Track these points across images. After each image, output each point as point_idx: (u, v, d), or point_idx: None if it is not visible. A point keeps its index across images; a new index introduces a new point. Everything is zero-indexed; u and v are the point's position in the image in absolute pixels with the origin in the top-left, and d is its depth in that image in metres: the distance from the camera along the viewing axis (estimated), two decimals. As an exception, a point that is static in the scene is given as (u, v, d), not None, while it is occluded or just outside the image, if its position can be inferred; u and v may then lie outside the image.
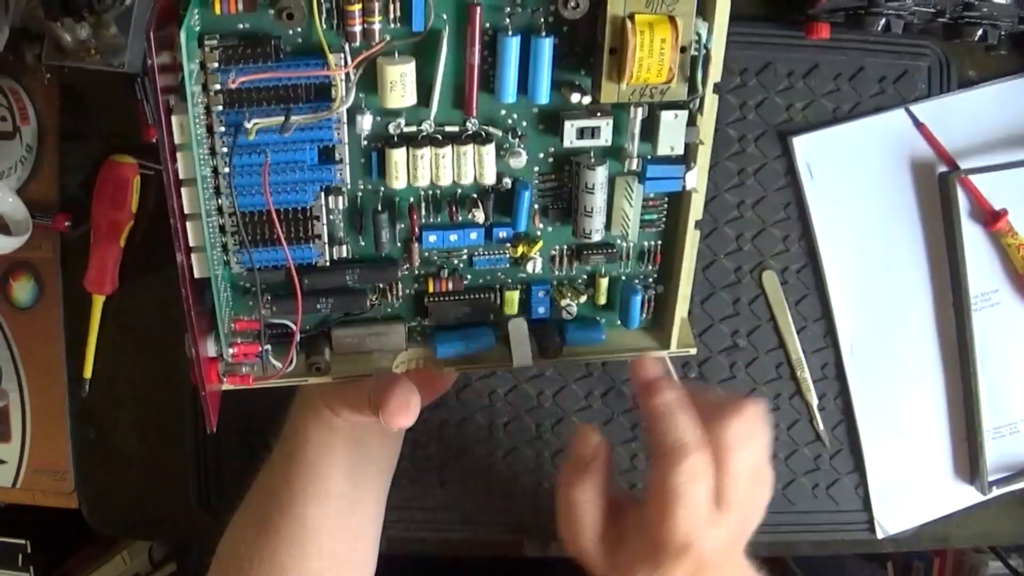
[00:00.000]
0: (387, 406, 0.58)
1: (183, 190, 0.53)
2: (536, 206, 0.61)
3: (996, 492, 0.85)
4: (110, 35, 0.70)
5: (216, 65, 0.50)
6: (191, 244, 0.55)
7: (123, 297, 0.82)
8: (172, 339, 0.82)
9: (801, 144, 0.81)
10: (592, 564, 0.62)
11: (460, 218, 0.60)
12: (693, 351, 0.68)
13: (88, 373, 0.83)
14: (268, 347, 0.60)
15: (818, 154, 0.81)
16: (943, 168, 0.81)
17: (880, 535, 0.86)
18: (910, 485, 0.85)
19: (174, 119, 0.50)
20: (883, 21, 0.74)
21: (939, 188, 0.81)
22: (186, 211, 0.54)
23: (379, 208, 0.59)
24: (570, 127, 0.56)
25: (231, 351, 0.60)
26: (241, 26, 0.51)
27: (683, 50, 0.52)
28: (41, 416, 0.86)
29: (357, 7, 0.50)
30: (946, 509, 0.86)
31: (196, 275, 0.56)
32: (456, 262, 0.62)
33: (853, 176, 0.81)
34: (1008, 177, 0.81)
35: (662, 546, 0.57)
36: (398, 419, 0.58)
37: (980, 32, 0.76)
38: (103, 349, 0.83)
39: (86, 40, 0.70)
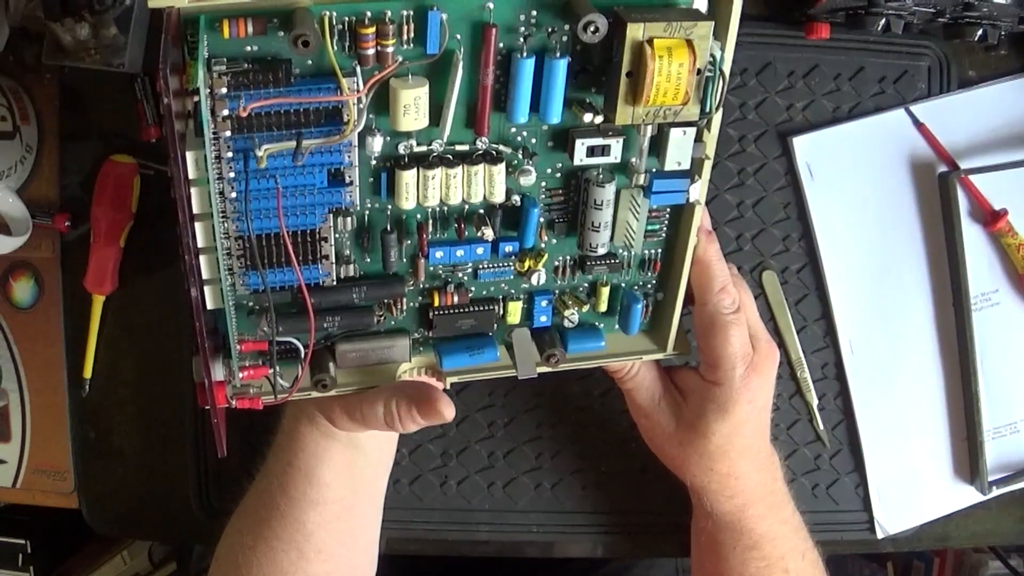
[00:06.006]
0: (435, 401, 0.63)
1: (197, 224, 0.55)
2: (542, 220, 0.62)
3: (996, 492, 0.86)
4: (110, 35, 0.71)
5: (225, 90, 0.50)
6: (205, 277, 0.56)
7: (123, 297, 0.84)
8: (172, 339, 0.84)
9: (801, 144, 0.82)
10: (664, 424, 0.74)
11: (467, 234, 0.61)
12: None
13: (88, 373, 0.85)
14: (277, 368, 0.61)
15: (818, 154, 0.82)
16: (943, 168, 0.83)
17: (880, 535, 0.87)
18: (910, 485, 0.87)
19: (189, 155, 0.52)
20: (883, 21, 0.75)
21: (939, 188, 0.83)
22: (200, 245, 0.56)
23: (388, 228, 0.60)
24: (580, 145, 0.57)
25: (240, 374, 0.61)
26: (250, 49, 0.51)
27: (698, 72, 0.53)
28: (41, 416, 0.87)
29: (371, 30, 0.51)
30: (946, 509, 0.88)
31: (209, 306, 0.58)
32: (461, 276, 0.64)
33: (853, 176, 0.83)
34: (1008, 177, 0.82)
35: (727, 359, 0.68)
36: (447, 411, 0.63)
37: (980, 32, 0.77)
38: (103, 349, 0.85)
39: (86, 40, 0.72)
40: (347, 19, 0.51)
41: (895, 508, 0.87)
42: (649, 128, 0.57)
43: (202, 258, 0.56)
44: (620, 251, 0.65)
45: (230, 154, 0.52)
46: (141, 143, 0.81)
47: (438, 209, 0.60)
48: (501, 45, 0.54)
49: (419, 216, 0.60)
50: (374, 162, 0.57)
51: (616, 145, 0.57)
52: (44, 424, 0.87)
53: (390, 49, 0.51)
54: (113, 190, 0.80)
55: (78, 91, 0.81)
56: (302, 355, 0.61)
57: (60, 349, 0.85)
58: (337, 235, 0.59)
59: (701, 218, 0.63)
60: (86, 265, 0.82)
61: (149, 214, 0.82)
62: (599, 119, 0.56)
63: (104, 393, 0.86)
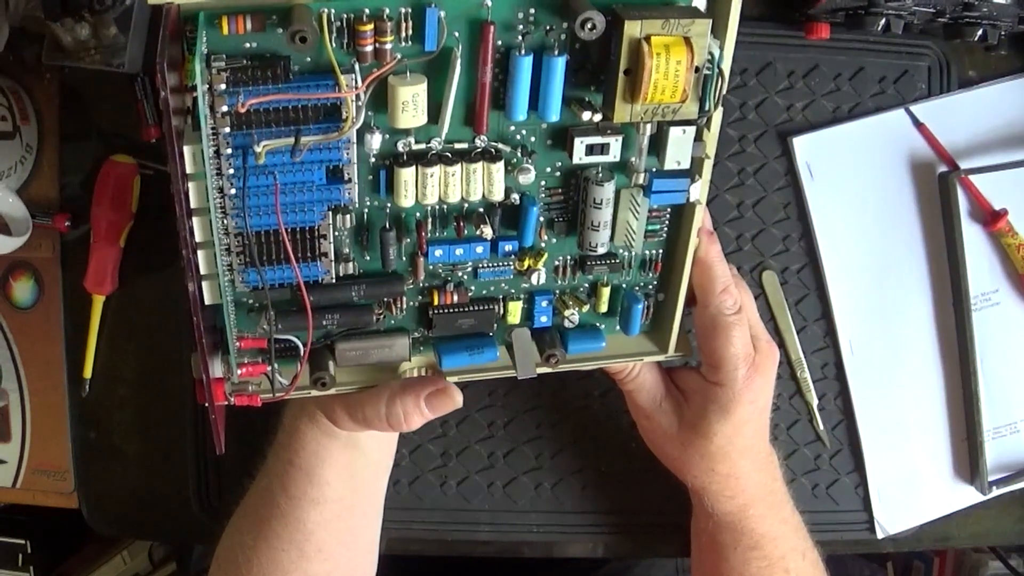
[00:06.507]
0: (446, 387, 0.65)
1: (195, 219, 0.54)
2: (542, 219, 0.62)
3: (996, 492, 0.86)
4: (110, 35, 0.71)
5: (223, 87, 0.50)
6: (203, 272, 0.56)
7: (123, 297, 0.84)
8: (172, 339, 0.83)
9: (801, 144, 0.81)
10: (665, 425, 0.73)
11: (467, 233, 0.61)
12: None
13: (88, 373, 0.85)
14: (276, 365, 0.61)
15: (818, 154, 0.82)
16: (943, 168, 0.82)
17: (880, 535, 0.87)
18: (910, 485, 0.87)
19: (186, 148, 0.51)
20: (883, 21, 0.75)
21: (939, 188, 0.83)
22: (198, 239, 0.55)
23: (387, 226, 0.60)
24: (579, 144, 0.57)
25: (239, 371, 0.61)
26: (248, 46, 0.51)
27: (696, 70, 0.52)
28: (41, 416, 0.87)
29: (369, 27, 0.50)
30: (946, 509, 0.88)
31: (207, 302, 0.57)
32: (461, 275, 0.63)
33: (853, 176, 0.82)
34: (1008, 177, 0.82)
35: (729, 360, 0.68)
36: (457, 395, 0.66)
37: (980, 32, 0.77)
38: (103, 349, 0.85)
39: (86, 40, 0.71)
40: (345, 16, 0.50)
41: (895, 508, 0.87)
42: (648, 126, 0.56)
43: (200, 253, 0.55)
44: (620, 251, 0.65)
45: (229, 150, 0.52)
46: (141, 143, 0.80)
47: (437, 207, 0.60)
48: (499, 43, 0.53)
49: (418, 214, 0.60)
50: (373, 159, 0.56)
51: (615, 144, 0.57)
52: (44, 424, 0.87)
53: (388, 46, 0.51)
54: (113, 190, 0.80)
55: (78, 91, 0.81)
56: (301, 353, 0.60)
57: (60, 349, 0.85)
58: (336, 233, 0.59)
59: (702, 218, 0.63)
60: (86, 265, 0.82)
61: (149, 214, 0.82)
62: (598, 117, 0.56)
63: (104, 393, 0.85)
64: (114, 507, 0.88)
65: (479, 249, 0.61)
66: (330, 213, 0.57)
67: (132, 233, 0.82)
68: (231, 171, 0.53)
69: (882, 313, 0.85)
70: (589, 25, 0.50)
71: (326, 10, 0.50)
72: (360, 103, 0.52)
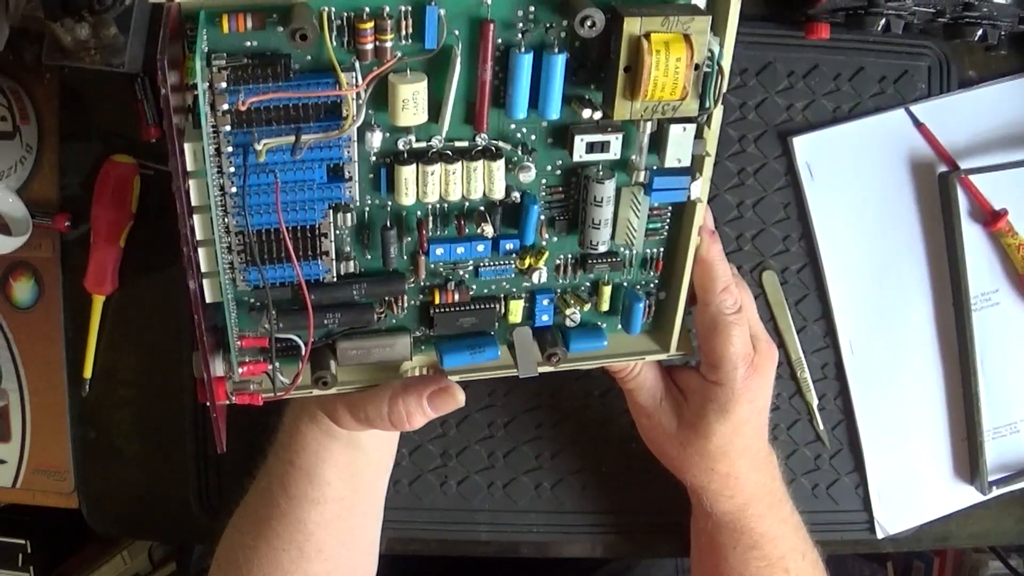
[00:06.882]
0: (448, 387, 0.65)
1: (196, 216, 0.54)
2: (543, 218, 0.61)
3: (996, 492, 0.86)
4: (110, 35, 0.71)
5: (224, 85, 0.50)
6: (203, 270, 0.56)
7: (123, 297, 0.84)
8: (172, 339, 0.83)
9: (801, 144, 0.81)
10: (665, 425, 0.73)
11: (468, 231, 0.60)
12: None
13: (88, 373, 0.85)
14: (277, 364, 0.61)
15: (818, 154, 0.81)
16: (943, 168, 0.82)
17: (880, 535, 0.87)
18: (910, 485, 0.86)
19: (187, 146, 0.51)
20: (883, 21, 0.75)
21: (939, 188, 0.82)
22: (199, 237, 0.55)
23: (388, 224, 0.60)
24: (580, 142, 0.57)
25: (240, 370, 0.61)
26: (249, 44, 0.51)
27: (696, 67, 0.52)
28: (41, 416, 0.87)
29: (369, 25, 0.50)
30: (946, 509, 0.88)
31: (208, 300, 0.57)
32: (462, 273, 0.63)
33: (853, 176, 0.82)
34: (1008, 177, 0.82)
35: (729, 359, 0.68)
36: (460, 394, 0.65)
37: (980, 32, 0.77)
38: (103, 349, 0.85)
39: (86, 40, 0.71)
40: (345, 14, 0.51)
41: (895, 508, 0.87)
42: (648, 124, 0.56)
43: (201, 251, 0.55)
44: (621, 249, 0.64)
45: (229, 148, 0.52)
46: (141, 143, 0.80)
47: (438, 206, 0.60)
48: (499, 41, 0.53)
49: (419, 213, 0.60)
50: (373, 158, 0.56)
51: (615, 141, 0.57)
52: (44, 424, 0.87)
53: (388, 44, 0.51)
54: (113, 190, 0.80)
55: (78, 91, 0.81)
56: (302, 352, 0.60)
57: (60, 349, 0.85)
58: (337, 231, 0.59)
59: (704, 217, 0.62)
60: (86, 265, 0.82)
61: (149, 214, 0.82)
62: (598, 115, 0.56)
63: (104, 393, 0.85)
64: (114, 507, 0.88)
65: (480, 248, 0.61)
66: (331, 211, 0.57)
67: (132, 233, 0.82)
68: (232, 169, 0.53)
69: (882, 313, 0.85)
70: (589, 22, 0.50)
71: (326, 8, 0.50)
72: (360, 101, 0.52)
